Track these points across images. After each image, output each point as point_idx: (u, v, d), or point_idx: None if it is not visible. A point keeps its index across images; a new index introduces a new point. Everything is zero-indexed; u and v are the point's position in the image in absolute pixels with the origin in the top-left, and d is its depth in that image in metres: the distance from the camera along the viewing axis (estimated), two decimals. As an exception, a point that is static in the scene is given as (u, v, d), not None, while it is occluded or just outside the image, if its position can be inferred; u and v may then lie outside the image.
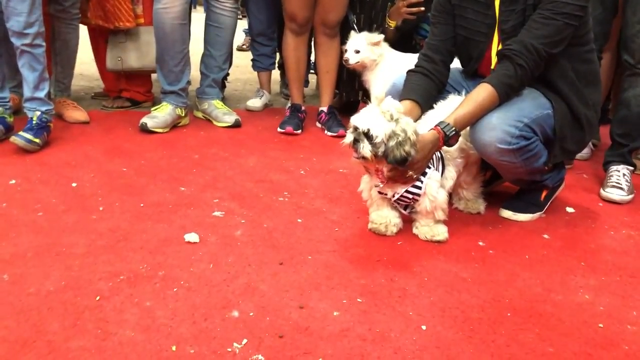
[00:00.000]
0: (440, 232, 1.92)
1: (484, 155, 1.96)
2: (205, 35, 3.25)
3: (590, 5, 1.92)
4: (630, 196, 2.37)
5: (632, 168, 2.49)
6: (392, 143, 1.71)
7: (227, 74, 3.84)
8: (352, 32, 3.03)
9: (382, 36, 2.95)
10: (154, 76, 3.46)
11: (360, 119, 1.76)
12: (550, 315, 1.55)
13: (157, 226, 1.95)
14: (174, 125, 3.11)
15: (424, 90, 2.04)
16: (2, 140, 2.67)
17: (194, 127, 3.18)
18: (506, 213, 2.16)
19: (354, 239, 1.94)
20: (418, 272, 1.74)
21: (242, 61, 4.73)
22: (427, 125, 1.89)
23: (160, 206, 2.11)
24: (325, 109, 3.24)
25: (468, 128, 1.93)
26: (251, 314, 1.48)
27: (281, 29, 3.29)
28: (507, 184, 2.30)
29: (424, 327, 1.46)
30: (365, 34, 2.97)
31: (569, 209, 2.27)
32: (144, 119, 2.98)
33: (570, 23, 1.87)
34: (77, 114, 3.12)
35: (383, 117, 1.73)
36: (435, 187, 1.86)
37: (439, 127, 1.83)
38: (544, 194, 2.17)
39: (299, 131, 3.15)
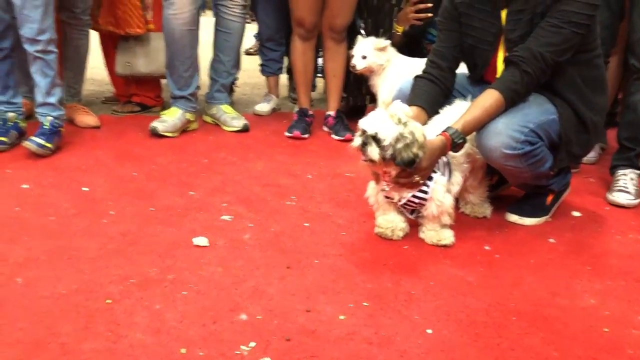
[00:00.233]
0: (447, 237, 1.94)
1: (490, 160, 1.98)
2: (214, 41, 3.29)
3: (597, 13, 1.93)
4: (637, 200, 2.38)
5: (639, 172, 2.49)
6: (400, 145, 1.74)
7: (236, 79, 3.88)
8: (359, 37, 3.05)
9: (388, 42, 2.97)
10: (163, 81, 3.50)
11: (368, 122, 1.79)
12: (555, 320, 1.56)
13: (167, 230, 1.98)
14: (184, 130, 3.14)
15: (430, 96, 2.07)
16: (15, 145, 2.71)
17: (203, 132, 3.22)
18: (512, 217, 2.17)
19: (361, 243, 1.96)
20: (424, 276, 1.75)
21: (251, 65, 4.76)
22: (433, 130, 1.91)
23: (170, 210, 2.15)
24: (332, 113, 3.26)
25: (474, 133, 1.95)
26: (259, 317, 1.50)
27: (289, 34, 3.32)
28: (514, 188, 2.31)
29: (429, 331, 1.48)
30: (372, 39, 2.99)
31: (576, 213, 2.28)
32: (154, 123, 3.02)
33: (578, 32, 1.88)
34: (88, 118, 3.16)
35: (391, 120, 1.76)
36: (441, 191, 1.88)
37: (447, 133, 1.85)
38: (549, 198, 2.18)
39: (307, 135, 3.18)
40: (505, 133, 1.89)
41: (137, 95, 3.54)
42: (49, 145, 2.62)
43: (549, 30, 1.88)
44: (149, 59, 3.34)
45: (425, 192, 1.87)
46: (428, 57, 2.20)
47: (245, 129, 3.22)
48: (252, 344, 1.39)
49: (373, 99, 3.26)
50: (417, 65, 2.31)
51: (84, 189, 2.31)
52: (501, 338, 1.47)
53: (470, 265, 1.83)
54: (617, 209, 2.35)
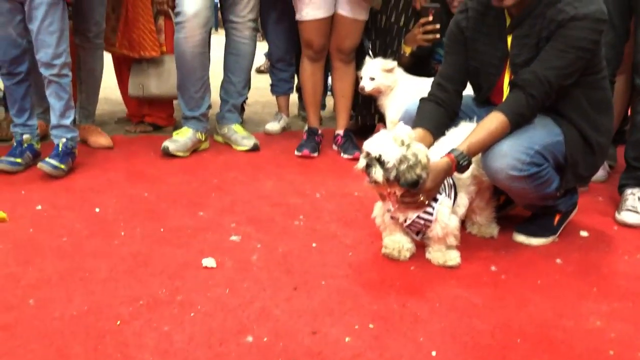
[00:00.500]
0: (453, 258, 1.95)
1: (496, 181, 1.99)
2: (224, 62, 3.36)
3: (602, 36, 1.94)
4: (646, 220, 2.37)
5: (647, 191, 2.49)
6: (403, 166, 1.76)
7: (246, 98, 3.93)
8: (367, 58, 3.09)
9: (395, 63, 3.00)
10: (175, 101, 3.56)
11: (372, 145, 1.81)
12: (561, 342, 1.56)
13: (177, 251, 2.02)
14: (195, 149, 3.19)
15: (435, 118, 2.09)
16: (30, 166, 2.78)
17: (213, 151, 3.26)
18: (519, 237, 2.18)
19: (367, 263, 1.98)
20: (430, 297, 1.76)
21: (262, 84, 4.82)
22: (439, 152, 1.93)
23: (179, 231, 2.18)
24: (341, 132, 3.30)
25: (480, 155, 1.96)
26: (265, 339, 1.52)
27: (299, 54, 3.37)
28: (521, 208, 2.31)
29: (434, 353, 1.49)
30: (379, 60, 3.02)
31: (583, 233, 2.27)
32: (166, 143, 3.07)
33: (583, 56, 1.90)
34: (101, 139, 3.23)
35: (394, 142, 1.78)
36: (446, 213, 1.89)
37: (452, 155, 1.87)
38: (556, 218, 2.18)
39: (316, 154, 3.22)
40: (510, 155, 1.90)
41: (150, 115, 3.61)
42: (62, 166, 2.67)
43: (554, 54, 1.90)
44: (161, 81, 3.41)
45: (430, 214, 1.89)
46: (434, 79, 2.22)
47: (255, 149, 3.27)
48: (258, 366, 1.41)
49: (382, 118, 3.29)
50: (425, 85, 2.33)
51: (96, 209, 2.35)
52: (506, 360, 1.47)
53: (477, 286, 1.84)
54: (626, 228, 2.34)
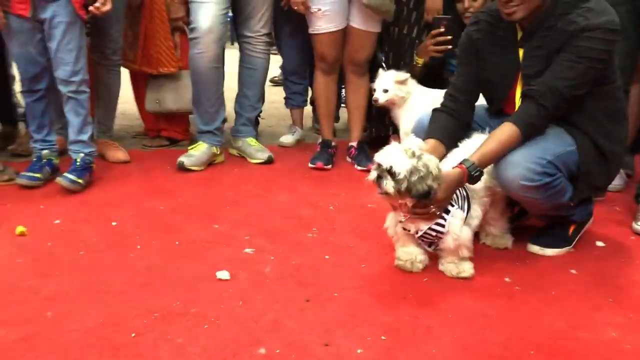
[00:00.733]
0: (466, 269, 1.95)
1: (508, 192, 1.99)
2: (239, 76, 3.40)
3: (615, 46, 1.93)
4: (663, 230, 2.34)
5: (664, 200, 2.46)
6: (414, 178, 1.77)
7: (261, 111, 3.97)
8: (380, 70, 3.11)
9: (407, 75, 3.01)
10: (191, 115, 3.60)
11: (383, 157, 1.83)
12: (575, 353, 1.55)
13: (191, 264, 2.04)
14: (210, 163, 3.23)
15: (448, 129, 2.10)
16: (49, 181, 2.83)
17: (228, 164, 3.29)
18: (534, 248, 2.17)
19: (380, 275, 1.99)
20: (443, 309, 1.76)
21: (277, 96, 4.86)
22: (451, 163, 1.93)
23: (194, 244, 2.21)
24: (354, 144, 3.31)
25: (493, 166, 1.96)
26: (277, 351, 1.53)
27: (313, 67, 3.40)
28: (535, 219, 2.30)
29: (446, 365, 1.49)
30: (392, 72, 3.04)
31: (599, 243, 2.26)
32: (181, 158, 3.11)
33: (594, 67, 1.89)
34: (118, 154, 3.28)
35: (405, 154, 1.79)
36: (458, 225, 1.89)
37: (463, 165, 1.87)
38: (571, 228, 2.17)
39: (329, 166, 3.23)
40: (523, 165, 1.90)
41: (166, 129, 3.65)
42: (80, 181, 2.72)
43: (565, 65, 1.90)
44: (177, 96, 3.45)
45: (442, 226, 1.89)
46: (447, 90, 2.23)
47: (269, 161, 3.29)
48: (271, 378, 1.42)
49: (396, 130, 3.30)
50: (438, 96, 2.34)
51: (113, 223, 2.39)
52: (519, 372, 1.47)
53: (490, 297, 1.84)
54: (643, 238, 2.33)
